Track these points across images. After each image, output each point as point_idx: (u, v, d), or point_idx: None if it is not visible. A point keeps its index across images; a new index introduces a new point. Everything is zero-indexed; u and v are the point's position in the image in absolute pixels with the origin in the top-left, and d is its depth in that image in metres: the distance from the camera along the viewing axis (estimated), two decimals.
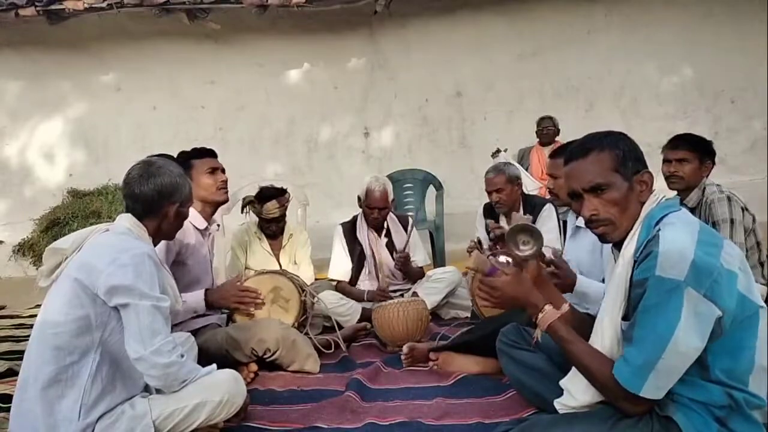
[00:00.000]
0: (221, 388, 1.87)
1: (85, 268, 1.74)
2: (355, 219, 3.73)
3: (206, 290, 2.70)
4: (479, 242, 3.40)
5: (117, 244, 1.81)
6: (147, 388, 1.87)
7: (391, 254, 3.63)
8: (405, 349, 2.78)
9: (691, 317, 1.34)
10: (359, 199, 3.60)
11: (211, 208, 2.83)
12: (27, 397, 1.70)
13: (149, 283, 1.74)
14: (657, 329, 1.37)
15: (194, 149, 2.84)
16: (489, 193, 3.42)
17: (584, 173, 1.56)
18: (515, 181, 3.40)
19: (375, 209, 3.51)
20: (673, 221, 1.46)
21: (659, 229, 1.43)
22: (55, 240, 1.94)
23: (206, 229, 2.82)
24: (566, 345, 1.58)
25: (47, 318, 1.74)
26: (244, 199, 3.56)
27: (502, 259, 1.86)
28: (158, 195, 1.92)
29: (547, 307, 1.64)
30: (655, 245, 1.40)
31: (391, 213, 3.70)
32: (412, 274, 3.63)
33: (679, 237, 1.39)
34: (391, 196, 3.58)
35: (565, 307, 1.72)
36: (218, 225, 2.96)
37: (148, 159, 2.04)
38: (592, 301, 2.16)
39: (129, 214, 1.94)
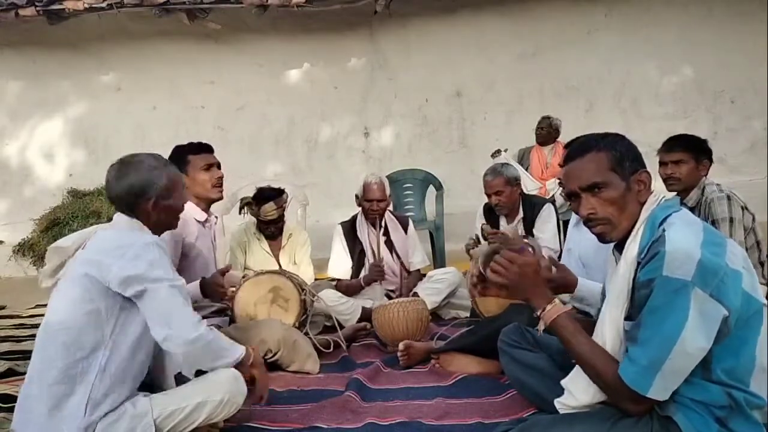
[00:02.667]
0: (222, 388, 1.87)
1: (94, 262, 1.73)
2: (354, 218, 3.73)
3: (203, 279, 2.62)
4: (478, 239, 3.40)
5: (122, 238, 1.81)
6: (149, 388, 1.87)
7: (391, 253, 3.64)
8: (401, 346, 2.74)
9: (698, 317, 1.34)
10: (357, 197, 3.60)
11: (205, 204, 2.85)
12: (32, 393, 1.69)
13: (161, 266, 1.74)
14: (664, 330, 1.36)
15: (190, 144, 2.84)
16: (488, 195, 3.41)
17: (581, 172, 1.57)
18: (514, 182, 3.40)
19: (373, 201, 3.50)
20: (677, 221, 1.45)
21: (664, 230, 1.43)
22: (56, 240, 1.93)
23: (206, 220, 2.84)
24: (570, 341, 1.56)
25: (56, 315, 1.73)
26: (242, 200, 3.55)
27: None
28: (130, 195, 1.86)
29: (555, 301, 1.63)
30: (661, 245, 1.39)
31: (390, 213, 3.70)
32: (411, 282, 3.61)
33: (685, 237, 1.39)
34: (388, 190, 3.58)
35: (568, 306, 1.72)
36: (216, 216, 2.98)
37: (123, 157, 1.95)
38: (591, 304, 2.15)
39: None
